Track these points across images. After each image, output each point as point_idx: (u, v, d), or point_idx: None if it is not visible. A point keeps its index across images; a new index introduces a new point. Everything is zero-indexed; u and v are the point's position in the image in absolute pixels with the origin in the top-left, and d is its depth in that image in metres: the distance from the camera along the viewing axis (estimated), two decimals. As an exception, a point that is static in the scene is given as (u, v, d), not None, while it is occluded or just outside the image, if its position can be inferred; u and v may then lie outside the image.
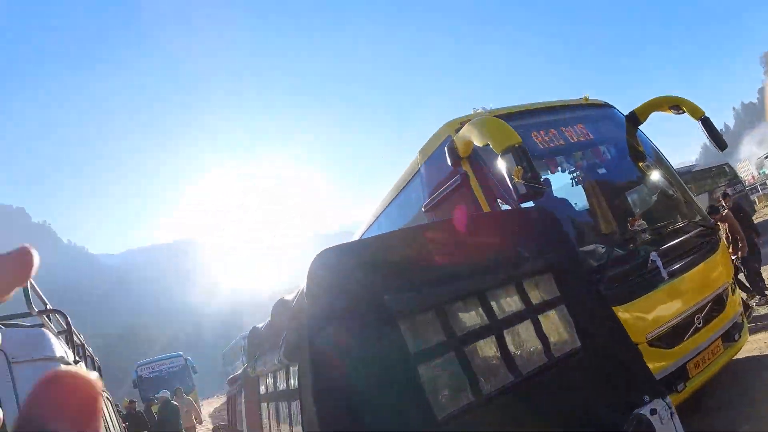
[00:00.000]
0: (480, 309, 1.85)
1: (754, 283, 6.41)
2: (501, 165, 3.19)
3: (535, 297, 1.99)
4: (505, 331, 1.86)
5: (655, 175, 4.35)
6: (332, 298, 1.63)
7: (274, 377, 2.16)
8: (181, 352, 21.22)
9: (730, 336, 3.70)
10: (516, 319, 1.93)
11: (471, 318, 1.88)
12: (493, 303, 1.87)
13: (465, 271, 1.87)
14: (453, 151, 3.76)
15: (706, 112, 4.18)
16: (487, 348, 1.86)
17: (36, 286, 2.38)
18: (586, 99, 4.61)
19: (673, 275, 3.39)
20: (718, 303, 3.62)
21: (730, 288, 3.80)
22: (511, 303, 1.97)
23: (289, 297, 1.87)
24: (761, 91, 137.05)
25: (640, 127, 4.46)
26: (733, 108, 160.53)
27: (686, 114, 4.22)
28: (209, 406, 24.47)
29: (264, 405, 2.34)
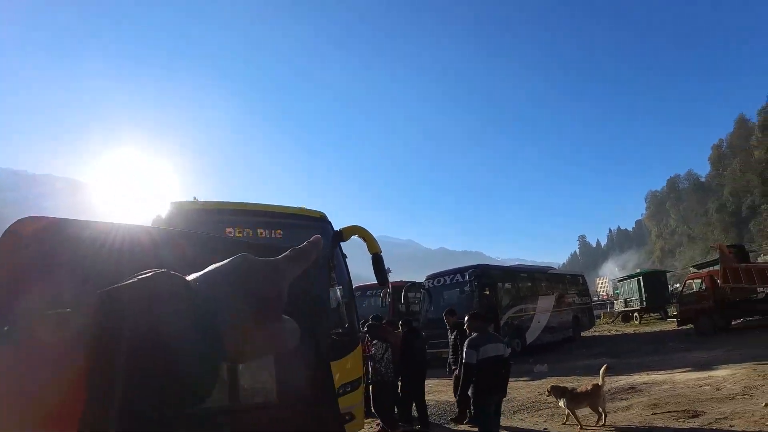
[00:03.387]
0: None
1: (462, 400, 6.77)
2: None
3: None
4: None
5: (333, 288, 4.84)
6: None
7: None
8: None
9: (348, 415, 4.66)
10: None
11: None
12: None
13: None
14: None
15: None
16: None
17: None
18: (302, 209, 5.24)
19: None
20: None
21: (351, 384, 4.70)
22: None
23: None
24: (638, 223, 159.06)
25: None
26: (610, 229, 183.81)
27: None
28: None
29: None
